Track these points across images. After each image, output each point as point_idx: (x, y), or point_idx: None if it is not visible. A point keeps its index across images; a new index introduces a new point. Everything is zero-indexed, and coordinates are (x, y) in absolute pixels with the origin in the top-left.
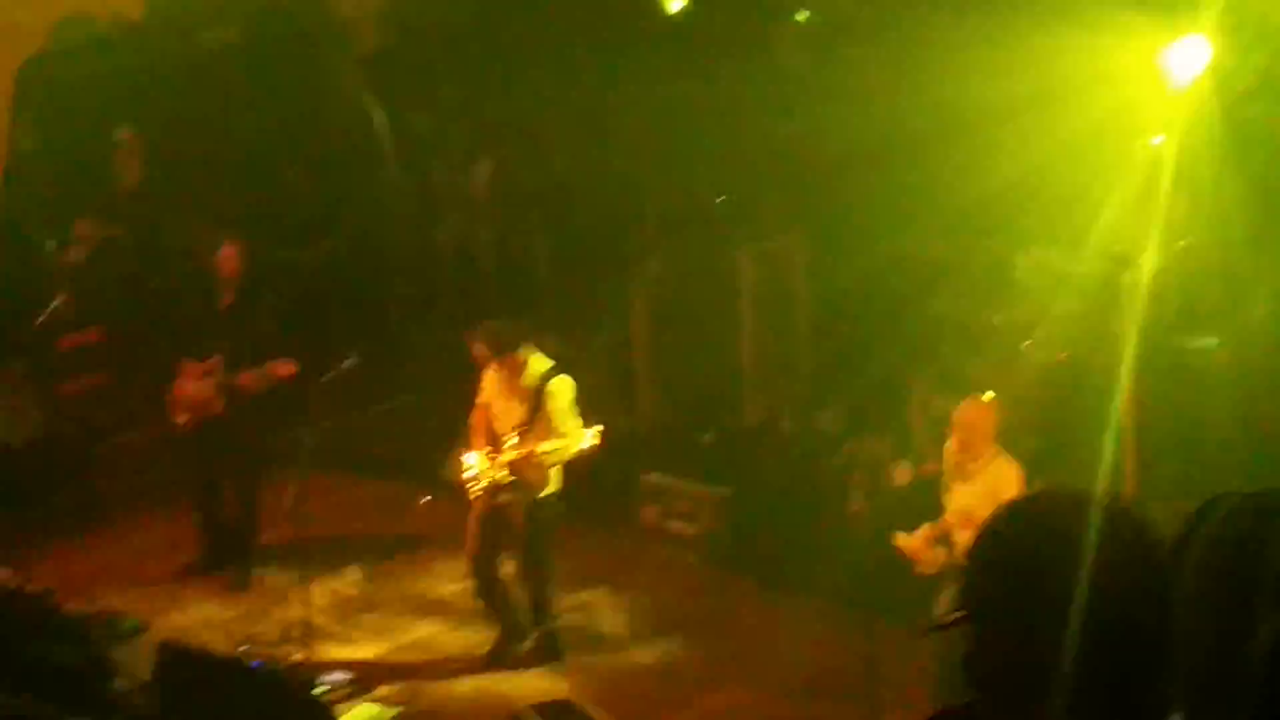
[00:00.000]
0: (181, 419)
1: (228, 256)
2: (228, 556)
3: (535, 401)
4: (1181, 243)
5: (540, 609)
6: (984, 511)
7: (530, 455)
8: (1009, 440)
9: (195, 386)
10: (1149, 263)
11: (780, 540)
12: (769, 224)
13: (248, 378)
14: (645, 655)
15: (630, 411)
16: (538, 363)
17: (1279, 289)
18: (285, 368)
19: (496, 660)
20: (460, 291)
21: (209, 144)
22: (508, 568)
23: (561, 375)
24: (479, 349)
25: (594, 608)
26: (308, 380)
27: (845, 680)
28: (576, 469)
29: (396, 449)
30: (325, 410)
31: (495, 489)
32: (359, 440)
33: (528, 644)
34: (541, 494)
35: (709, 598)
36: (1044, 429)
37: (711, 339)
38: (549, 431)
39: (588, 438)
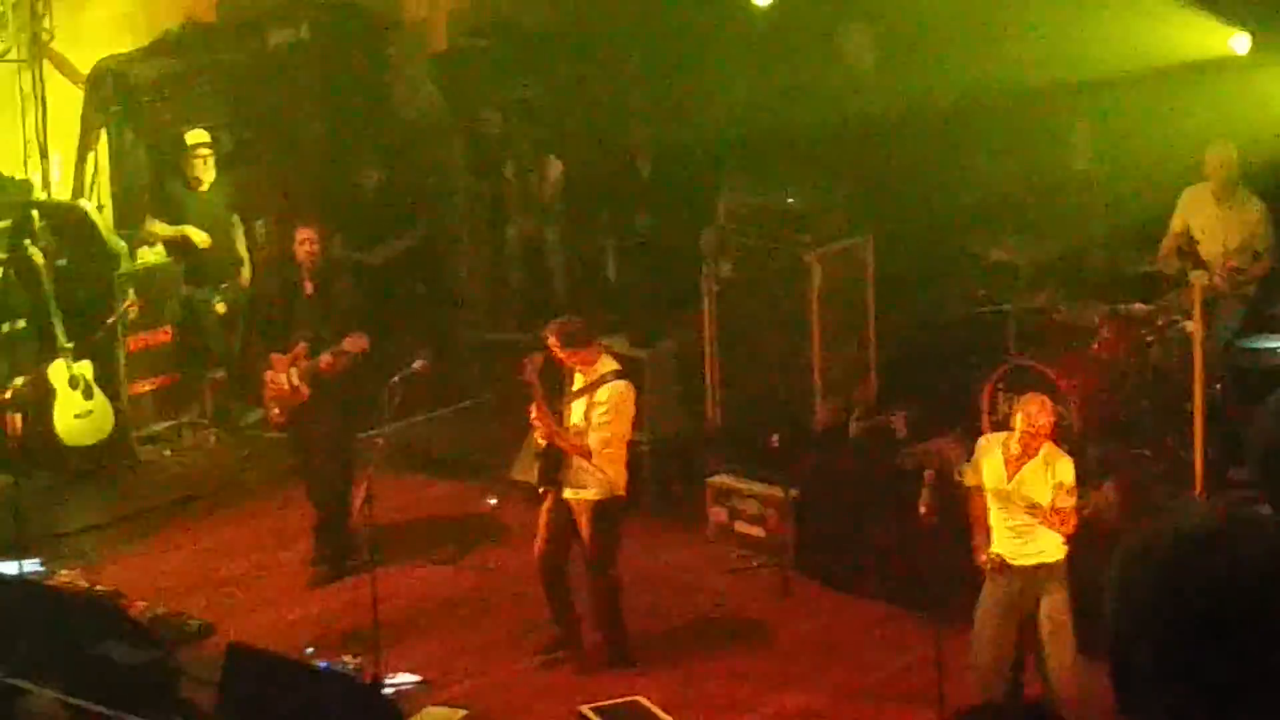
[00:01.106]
0: (274, 411)
1: (306, 239)
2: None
3: (590, 400)
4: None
5: (602, 612)
6: (1039, 509)
7: (585, 455)
8: (1079, 440)
9: (283, 377)
10: (1213, 263)
11: (848, 542)
12: (839, 225)
13: (326, 359)
14: (712, 657)
15: (698, 413)
16: (605, 364)
17: None
18: (359, 342)
19: (555, 658)
20: (529, 292)
21: (281, 143)
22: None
23: (618, 381)
24: (551, 342)
25: (661, 609)
26: (378, 380)
27: (912, 683)
28: (643, 470)
29: (464, 449)
30: (395, 410)
31: (561, 485)
32: (427, 440)
33: (589, 645)
34: (607, 496)
35: (776, 600)
36: (1111, 429)
37: (780, 340)
38: (599, 430)
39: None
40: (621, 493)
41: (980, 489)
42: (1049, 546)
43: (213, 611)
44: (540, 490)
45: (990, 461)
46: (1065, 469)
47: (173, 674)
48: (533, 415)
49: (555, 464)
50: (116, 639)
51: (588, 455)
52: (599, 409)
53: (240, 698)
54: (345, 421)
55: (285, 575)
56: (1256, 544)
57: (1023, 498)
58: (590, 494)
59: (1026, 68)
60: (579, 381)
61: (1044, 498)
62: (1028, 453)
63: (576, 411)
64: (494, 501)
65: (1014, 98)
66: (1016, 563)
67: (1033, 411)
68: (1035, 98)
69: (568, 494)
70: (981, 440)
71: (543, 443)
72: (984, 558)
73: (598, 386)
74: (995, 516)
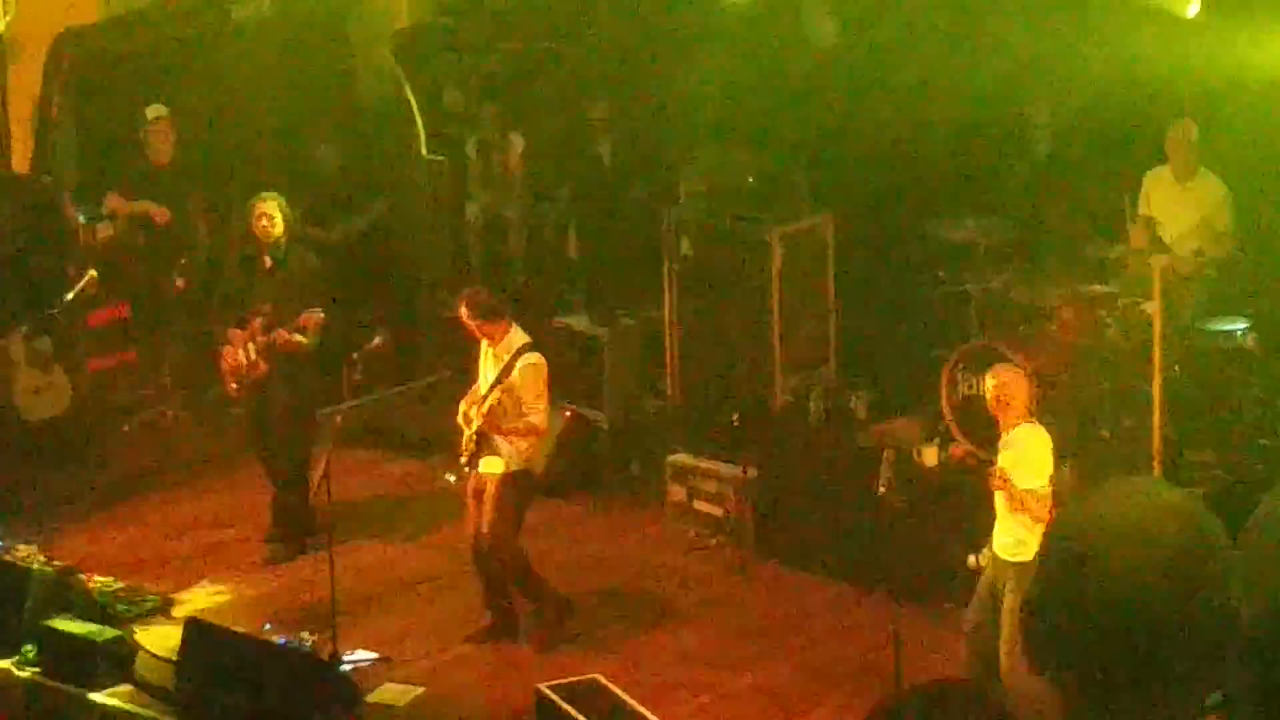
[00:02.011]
0: (232, 386)
1: (263, 214)
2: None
3: (504, 374)
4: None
5: (516, 586)
6: (1019, 480)
7: (493, 426)
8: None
9: (241, 352)
10: (1180, 245)
11: (807, 522)
12: (799, 204)
13: (283, 335)
14: (667, 637)
15: (659, 391)
16: (516, 337)
17: None
18: (315, 318)
19: (494, 637)
20: (490, 270)
21: (241, 119)
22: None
23: (532, 352)
24: (461, 312)
25: (619, 587)
26: (337, 356)
27: (871, 663)
28: (603, 448)
29: (422, 427)
30: (354, 387)
31: (474, 460)
32: (386, 417)
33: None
34: (517, 467)
35: (734, 579)
36: (1072, 411)
37: (741, 319)
38: (515, 405)
39: (551, 419)
40: (533, 468)
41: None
42: (1025, 540)
43: (170, 587)
44: (467, 471)
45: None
46: (1033, 445)
47: (129, 649)
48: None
49: (482, 444)
50: (73, 614)
51: (499, 426)
52: (519, 375)
53: (197, 674)
54: (303, 397)
55: (243, 551)
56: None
57: (1000, 474)
58: (498, 466)
59: (988, 48)
60: (487, 354)
61: (1019, 476)
62: (1005, 425)
63: (487, 383)
64: (453, 479)
65: (975, 77)
66: (996, 552)
67: (1003, 377)
68: (996, 78)
69: (481, 468)
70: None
71: (469, 425)
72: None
73: (514, 360)
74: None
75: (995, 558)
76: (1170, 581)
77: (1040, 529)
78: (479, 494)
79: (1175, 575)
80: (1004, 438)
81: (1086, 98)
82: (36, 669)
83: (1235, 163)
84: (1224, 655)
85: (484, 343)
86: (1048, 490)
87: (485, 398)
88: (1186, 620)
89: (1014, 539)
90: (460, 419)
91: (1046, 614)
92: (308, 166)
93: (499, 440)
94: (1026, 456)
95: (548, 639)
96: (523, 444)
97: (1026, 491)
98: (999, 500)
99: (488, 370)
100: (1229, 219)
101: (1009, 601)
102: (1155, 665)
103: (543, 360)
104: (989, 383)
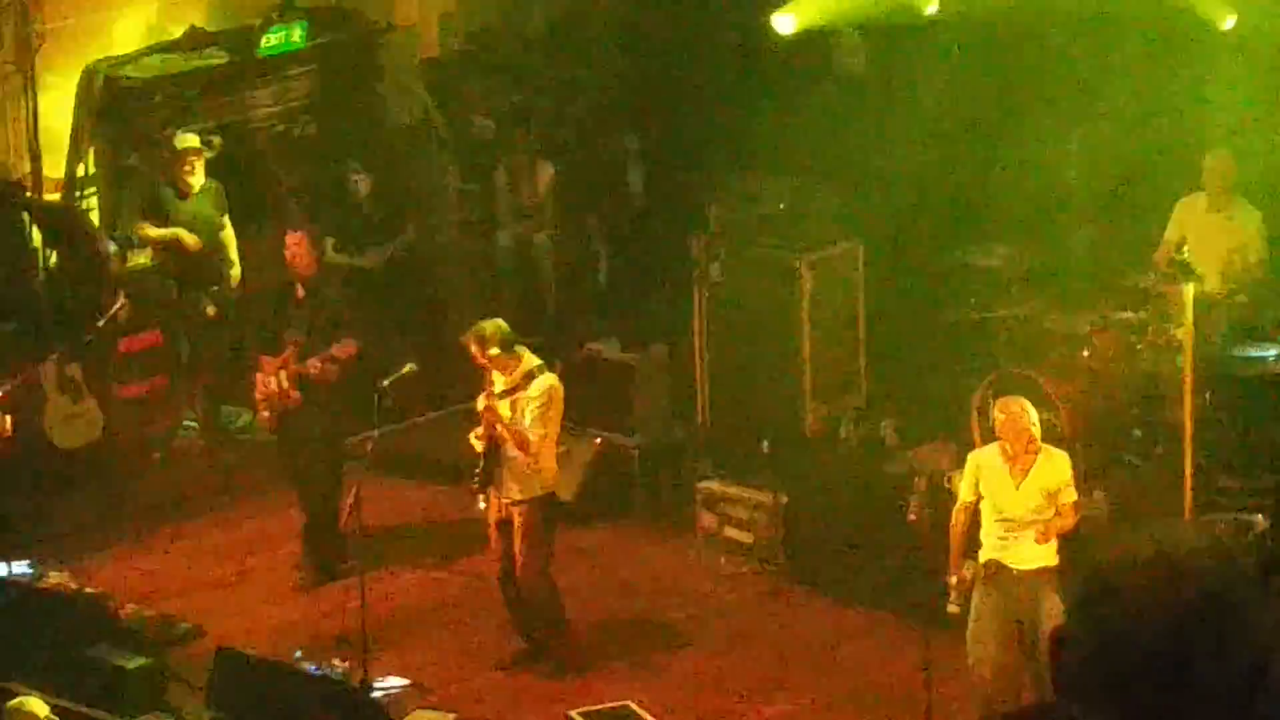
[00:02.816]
0: (264, 414)
1: (294, 243)
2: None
3: (522, 386)
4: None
5: (540, 618)
6: (1046, 511)
7: (525, 447)
8: (1069, 448)
9: (273, 380)
10: (1213, 273)
11: (837, 549)
12: (830, 230)
13: (315, 364)
14: (699, 663)
15: (689, 417)
16: (528, 360)
17: None
18: (348, 349)
19: (525, 663)
20: (520, 297)
21: (272, 147)
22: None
23: (548, 374)
24: (473, 350)
25: (650, 613)
26: (368, 384)
27: (901, 690)
28: (633, 475)
29: (453, 453)
30: (385, 414)
31: (499, 489)
32: (416, 444)
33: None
34: (541, 493)
35: (765, 606)
36: (1104, 438)
37: (771, 346)
38: (520, 416)
39: (581, 446)
40: (554, 490)
41: (965, 506)
42: (1047, 551)
43: (202, 614)
44: (479, 494)
45: (990, 471)
46: (1064, 464)
47: (161, 677)
48: (482, 409)
49: (494, 465)
50: (106, 641)
51: (527, 447)
52: (533, 403)
53: (229, 701)
54: (335, 425)
55: (274, 579)
56: (1221, 577)
57: (1036, 498)
58: (523, 493)
59: (1018, 73)
60: (501, 383)
61: (1049, 495)
62: (1029, 451)
63: (503, 410)
64: (484, 505)
65: (1005, 103)
66: (1017, 568)
67: (1014, 411)
68: (1027, 104)
69: (503, 497)
70: (971, 455)
71: (481, 445)
72: (958, 576)
73: (527, 382)
74: (991, 525)
75: (1017, 574)
76: (1200, 622)
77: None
78: (501, 524)
79: (1206, 615)
80: (1035, 465)
81: (1117, 124)
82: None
83: (1265, 188)
84: (1252, 698)
85: (495, 377)
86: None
87: (491, 408)
88: (1215, 660)
89: (1036, 552)
90: (472, 439)
91: (1077, 645)
92: (340, 194)
93: (519, 470)
94: (1065, 473)
95: (585, 667)
96: (545, 466)
97: (1074, 504)
98: (1007, 521)
99: (503, 400)
100: (1263, 247)
101: (1051, 607)
102: (1183, 704)
103: (557, 381)
104: (999, 418)
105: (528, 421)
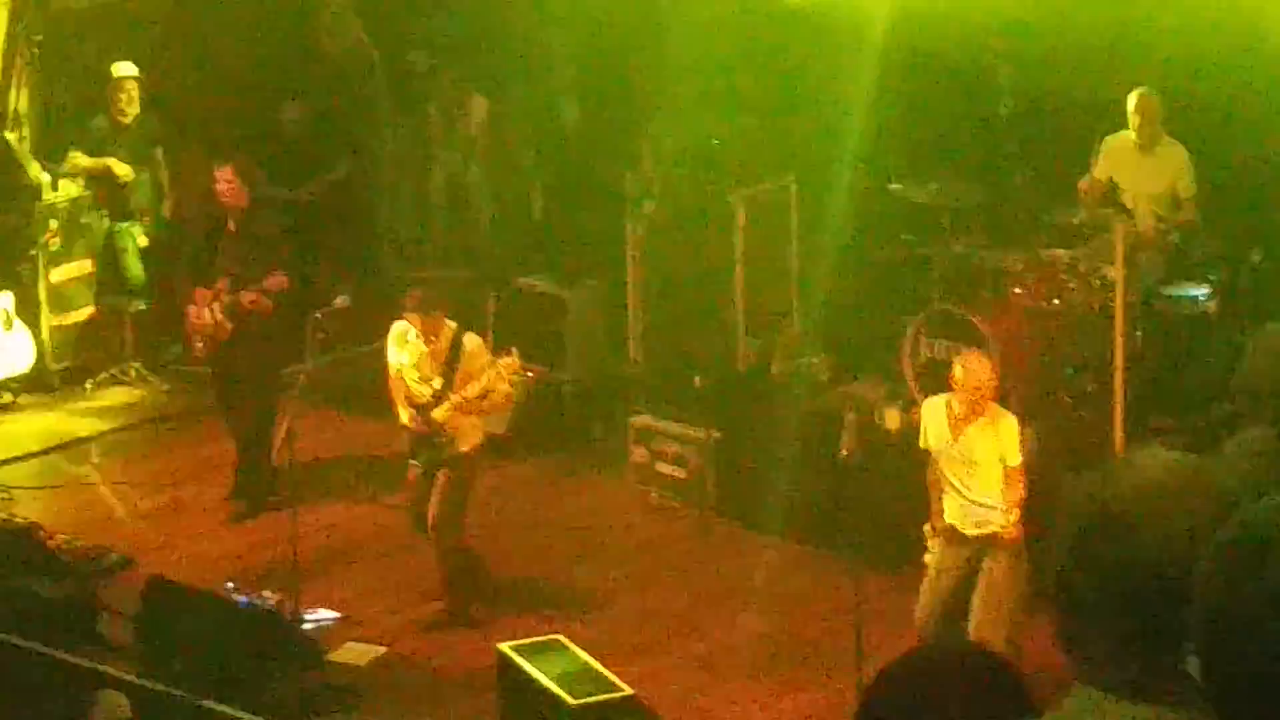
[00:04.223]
0: (197, 346)
1: (223, 177)
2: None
3: (452, 359)
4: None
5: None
6: (994, 468)
7: (461, 406)
8: (1000, 385)
9: (206, 312)
10: (1143, 211)
11: (769, 485)
12: (763, 167)
13: (248, 296)
14: (629, 599)
15: (621, 353)
16: (449, 323)
17: (1270, 238)
18: (280, 281)
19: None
20: (454, 230)
21: (205, 78)
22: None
23: (468, 336)
24: (414, 308)
25: (580, 549)
26: (301, 316)
27: (830, 625)
28: (566, 409)
29: (385, 387)
30: (318, 347)
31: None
32: (350, 377)
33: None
34: (466, 449)
35: (696, 541)
36: (1035, 376)
37: (704, 282)
38: (469, 381)
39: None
40: (478, 444)
41: (929, 456)
42: (996, 516)
43: (132, 545)
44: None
45: (935, 424)
46: (1011, 429)
47: (91, 607)
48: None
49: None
50: (35, 572)
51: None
52: (475, 360)
53: (158, 632)
54: (268, 357)
55: (206, 510)
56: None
57: (967, 459)
58: (466, 443)
59: (952, 7)
60: (411, 343)
61: (989, 459)
62: (974, 411)
63: (428, 369)
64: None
65: (938, 38)
66: (969, 533)
67: (973, 366)
68: (959, 39)
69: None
70: (926, 403)
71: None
72: (931, 526)
73: (458, 342)
74: (948, 484)
75: (970, 538)
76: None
77: (1015, 502)
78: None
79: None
80: (979, 421)
81: (1050, 60)
82: None
83: (1198, 128)
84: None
85: (405, 333)
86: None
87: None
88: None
89: (984, 518)
90: (411, 421)
91: (1082, 581)
92: (272, 126)
93: (460, 424)
94: (1012, 436)
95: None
96: (480, 421)
97: (1017, 469)
98: (975, 479)
99: (427, 363)
100: (1191, 186)
101: (995, 569)
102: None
103: (479, 339)
104: (957, 371)
105: (475, 375)
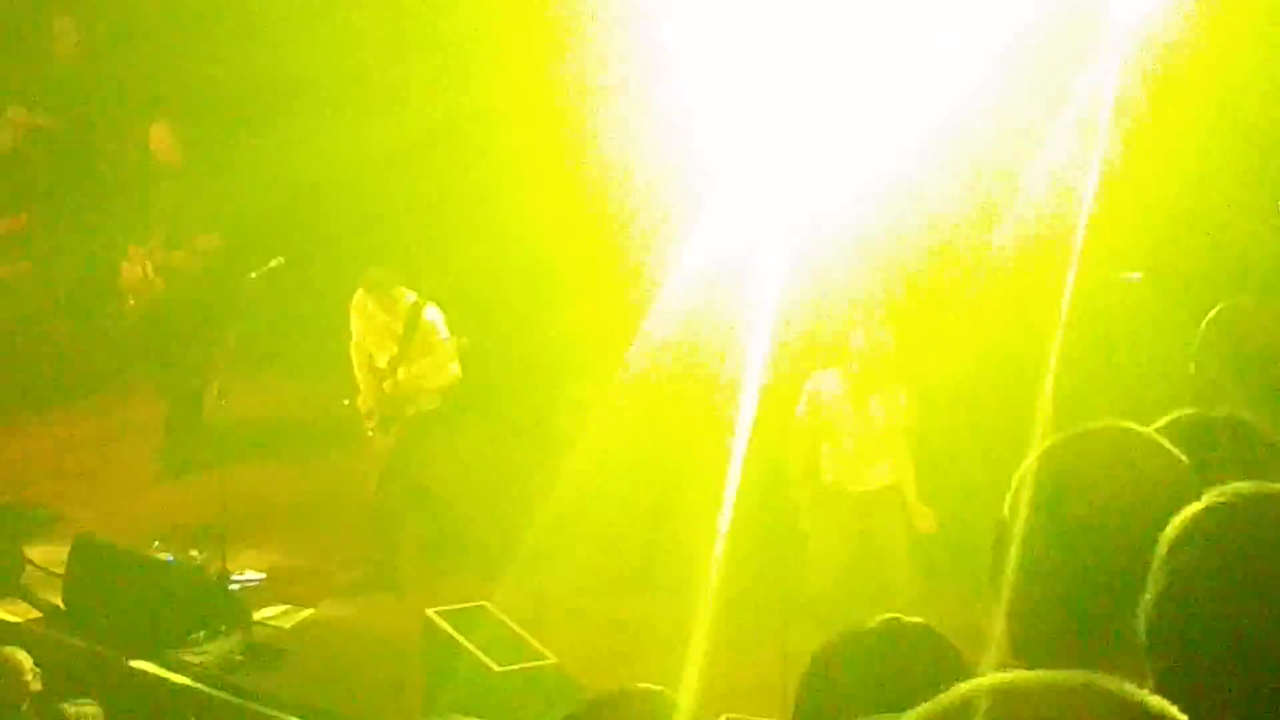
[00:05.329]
0: (129, 302)
1: (159, 137)
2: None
3: (409, 332)
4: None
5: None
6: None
7: (416, 379)
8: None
9: (139, 268)
10: (1081, 194)
11: None
12: None
13: (180, 255)
14: (559, 565)
15: None
16: (403, 292)
17: (1206, 222)
18: (211, 240)
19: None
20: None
21: (151, 35)
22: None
23: (429, 305)
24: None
25: (511, 516)
26: (235, 276)
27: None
28: (501, 383)
29: (317, 348)
30: (251, 307)
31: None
32: (283, 338)
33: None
34: (416, 411)
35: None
36: (959, 360)
37: None
38: (426, 354)
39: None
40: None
41: (802, 426)
42: (887, 469)
43: (61, 502)
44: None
45: (829, 396)
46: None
47: (18, 563)
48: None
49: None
50: None
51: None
52: (436, 328)
53: (85, 589)
54: (200, 315)
55: (134, 468)
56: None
57: (870, 419)
58: (411, 409)
59: None
60: (379, 315)
61: (891, 417)
62: (873, 381)
63: (392, 345)
64: (348, 402)
65: None
66: (858, 489)
67: (879, 341)
68: None
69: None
70: (810, 380)
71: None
72: (807, 490)
73: (416, 313)
74: (831, 446)
75: (859, 494)
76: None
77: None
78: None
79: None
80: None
81: None
82: None
83: None
84: None
85: (366, 303)
86: None
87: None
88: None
89: (876, 471)
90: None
91: (1040, 553)
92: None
93: (414, 394)
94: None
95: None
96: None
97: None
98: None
99: (382, 337)
100: None
101: (890, 523)
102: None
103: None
104: (858, 350)
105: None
